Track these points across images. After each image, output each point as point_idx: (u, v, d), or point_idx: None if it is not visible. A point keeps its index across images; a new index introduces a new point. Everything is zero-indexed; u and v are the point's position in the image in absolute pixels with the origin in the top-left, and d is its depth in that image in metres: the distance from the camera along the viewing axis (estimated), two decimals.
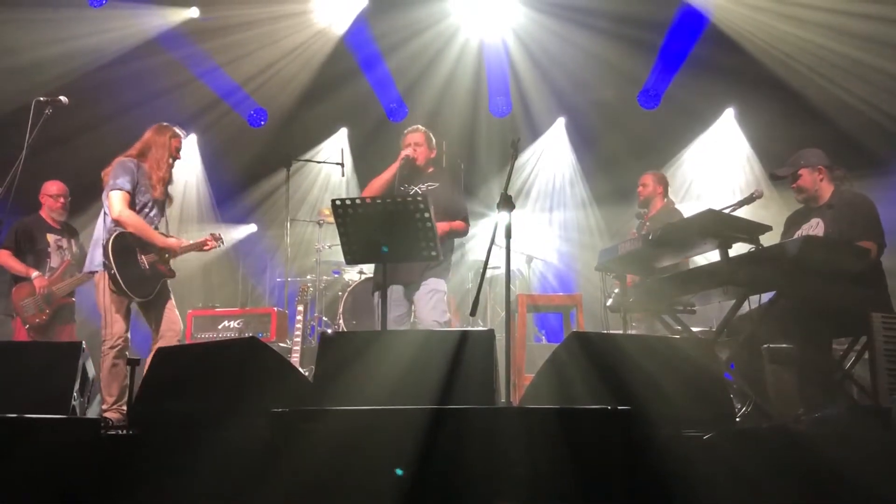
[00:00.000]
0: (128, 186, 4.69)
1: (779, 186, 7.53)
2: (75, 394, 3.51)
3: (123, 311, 4.62)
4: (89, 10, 7.74)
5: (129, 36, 7.96)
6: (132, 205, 4.72)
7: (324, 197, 9.47)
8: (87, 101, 7.30)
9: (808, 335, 3.85)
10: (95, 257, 4.65)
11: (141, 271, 4.70)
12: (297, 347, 6.59)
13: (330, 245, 7.87)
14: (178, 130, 5.02)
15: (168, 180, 4.94)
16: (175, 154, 4.97)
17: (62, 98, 4.58)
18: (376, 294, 5.11)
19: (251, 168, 9.29)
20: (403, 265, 4.85)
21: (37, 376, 3.49)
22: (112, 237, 4.59)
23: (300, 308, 6.80)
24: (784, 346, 4.34)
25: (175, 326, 4.85)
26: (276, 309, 7.28)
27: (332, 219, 4.87)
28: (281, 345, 6.97)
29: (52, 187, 6.36)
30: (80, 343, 3.67)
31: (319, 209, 8.36)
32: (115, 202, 4.64)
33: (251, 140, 9.40)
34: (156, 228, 4.87)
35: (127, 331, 4.64)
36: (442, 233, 4.94)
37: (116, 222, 4.65)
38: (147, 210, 4.83)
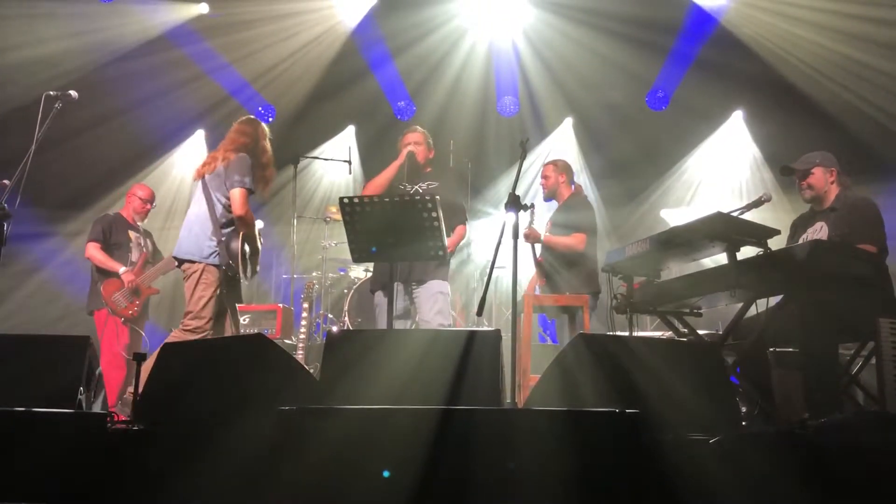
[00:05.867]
0: (251, 186, 4.70)
1: (788, 191, 7.53)
2: (82, 388, 3.52)
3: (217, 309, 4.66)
4: (100, 6, 7.77)
5: (139, 31, 7.99)
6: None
7: (330, 194, 9.48)
8: (96, 95, 7.33)
9: (814, 339, 3.84)
10: (201, 248, 4.62)
11: (246, 272, 4.78)
12: (303, 344, 6.60)
13: (336, 243, 7.88)
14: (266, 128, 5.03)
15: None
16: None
17: (72, 92, 4.56)
18: (377, 294, 5.11)
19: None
20: (404, 264, 4.86)
21: (44, 370, 3.48)
22: (241, 239, 4.65)
23: (305, 305, 6.82)
24: (791, 350, 4.33)
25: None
26: (281, 305, 7.29)
27: (339, 216, 4.90)
28: (286, 341, 6.98)
29: (142, 191, 6.72)
30: (88, 337, 3.67)
31: (326, 206, 8.37)
32: (242, 200, 4.63)
33: None
34: None
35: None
36: (453, 245, 5.04)
37: (239, 220, 4.66)
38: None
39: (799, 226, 4.53)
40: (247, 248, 4.77)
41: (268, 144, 4.95)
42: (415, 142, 5.26)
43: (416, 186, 5.17)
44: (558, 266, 5.65)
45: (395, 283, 4.92)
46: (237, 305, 4.88)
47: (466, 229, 5.30)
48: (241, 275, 4.63)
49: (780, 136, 8.17)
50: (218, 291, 4.60)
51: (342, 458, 2.47)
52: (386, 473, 2.39)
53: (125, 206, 6.67)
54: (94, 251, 6.27)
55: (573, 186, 5.99)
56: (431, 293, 4.97)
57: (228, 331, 4.79)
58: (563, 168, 6.00)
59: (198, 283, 4.58)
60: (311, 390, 3.21)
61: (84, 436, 2.85)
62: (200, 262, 4.60)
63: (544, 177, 6.03)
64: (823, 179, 4.37)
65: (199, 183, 4.77)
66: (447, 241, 4.93)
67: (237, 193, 4.62)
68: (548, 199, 6.05)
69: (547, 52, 8.58)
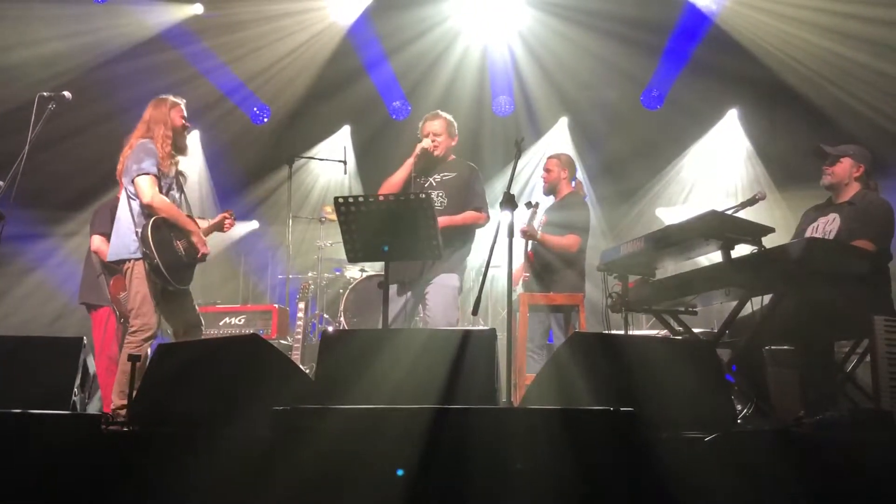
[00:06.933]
0: (154, 170, 4.51)
1: (782, 188, 7.55)
2: (76, 389, 3.51)
3: (157, 302, 4.48)
4: (94, 7, 7.76)
5: (134, 32, 7.98)
6: (159, 188, 4.56)
7: (326, 194, 9.48)
8: (91, 97, 7.31)
9: (809, 337, 3.85)
10: (127, 245, 4.49)
11: (178, 258, 4.56)
12: (298, 345, 6.60)
13: (331, 243, 7.88)
14: (175, 99, 4.80)
15: (172, 154, 4.70)
16: (177, 124, 4.74)
17: (66, 93, 4.54)
18: (392, 287, 5.00)
19: (254, 165, 9.32)
20: (410, 263, 4.80)
21: (38, 372, 3.49)
22: (150, 224, 4.44)
23: (301, 305, 6.81)
24: (786, 347, 4.34)
25: (199, 319, 4.77)
26: (277, 306, 7.29)
27: (334, 216, 4.84)
28: (282, 342, 6.98)
29: None
30: (81, 339, 3.67)
31: (322, 206, 8.36)
32: (145, 187, 4.45)
33: (254, 137, 9.42)
34: (179, 209, 4.72)
35: (159, 322, 4.53)
36: (449, 223, 4.79)
37: (148, 208, 4.48)
38: (173, 192, 4.70)
39: (811, 213, 4.52)
40: (172, 234, 4.58)
41: (161, 115, 4.69)
42: (434, 133, 5.08)
43: (431, 179, 5.06)
44: (551, 265, 5.62)
45: (399, 282, 4.90)
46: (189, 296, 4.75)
47: (477, 217, 5.01)
48: (157, 259, 4.38)
49: (775, 135, 8.20)
50: (151, 283, 4.44)
51: (338, 457, 2.47)
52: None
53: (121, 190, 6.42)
54: (103, 245, 5.85)
55: (573, 184, 5.91)
56: (438, 287, 4.90)
57: (184, 335, 4.66)
58: (566, 163, 5.91)
59: (131, 280, 4.47)
60: (306, 390, 3.21)
61: (78, 437, 2.84)
62: (130, 259, 4.48)
63: (546, 170, 5.93)
64: (848, 171, 4.36)
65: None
66: (446, 218, 4.75)
67: (139, 182, 4.47)
68: (547, 193, 5.96)
69: (542, 51, 8.59)
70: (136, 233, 4.47)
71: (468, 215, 5.00)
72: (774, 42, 7.76)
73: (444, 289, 4.93)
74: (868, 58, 7.26)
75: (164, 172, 4.61)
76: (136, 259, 4.47)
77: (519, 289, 5.82)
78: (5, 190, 4.17)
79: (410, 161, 5.00)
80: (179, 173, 4.84)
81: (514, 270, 5.74)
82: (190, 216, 4.79)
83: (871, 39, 7.15)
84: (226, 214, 5.00)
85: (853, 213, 4.21)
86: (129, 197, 4.57)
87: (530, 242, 5.74)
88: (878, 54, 7.19)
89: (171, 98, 4.80)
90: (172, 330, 4.76)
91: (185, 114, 4.84)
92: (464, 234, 5.06)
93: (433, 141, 5.05)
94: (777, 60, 7.80)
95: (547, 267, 5.61)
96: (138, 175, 4.49)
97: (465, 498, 2.37)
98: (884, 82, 7.26)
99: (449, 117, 5.22)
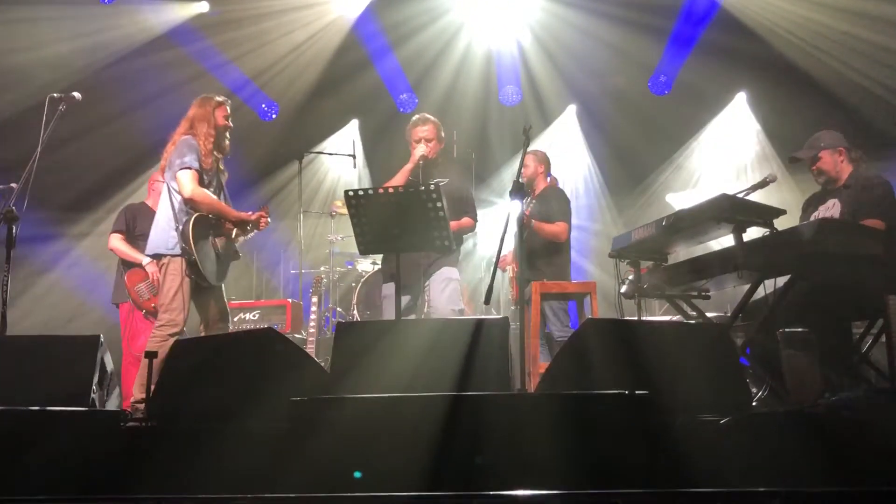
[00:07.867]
0: (196, 164, 4.56)
1: (793, 171, 7.51)
2: (94, 386, 3.54)
3: (189, 298, 4.53)
4: (101, 7, 7.78)
5: (140, 31, 8.00)
6: (201, 183, 4.60)
7: (336, 189, 9.50)
8: (99, 97, 7.34)
9: (824, 319, 3.83)
10: (166, 240, 4.55)
11: (215, 255, 4.62)
12: (313, 338, 6.63)
13: (343, 237, 7.90)
14: (219, 98, 4.86)
15: (212, 152, 4.75)
16: (221, 124, 4.80)
17: (75, 94, 4.57)
18: (384, 286, 5.10)
19: (264, 161, 9.33)
20: (411, 260, 4.83)
21: (56, 369, 3.51)
22: (191, 220, 4.48)
23: (314, 299, 6.84)
24: (800, 329, 4.32)
25: (227, 311, 4.82)
26: (290, 300, 7.32)
27: (344, 210, 4.87)
28: (296, 336, 7.01)
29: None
30: (99, 336, 3.69)
31: (332, 201, 8.39)
32: (186, 181, 4.50)
33: (263, 133, 9.43)
34: None
35: (187, 319, 4.55)
36: (453, 228, 4.95)
37: (190, 202, 4.54)
38: (213, 189, 4.73)
39: (811, 204, 4.52)
40: (210, 232, 4.61)
41: (205, 113, 4.76)
42: (426, 138, 5.14)
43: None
44: (538, 252, 5.67)
45: (409, 286, 4.92)
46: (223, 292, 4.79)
47: (473, 223, 5.21)
48: (196, 256, 4.43)
49: (784, 117, 8.14)
50: (185, 279, 4.49)
51: (354, 446, 2.49)
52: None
53: (148, 195, 6.37)
54: (118, 242, 6.03)
55: (549, 179, 6.06)
56: (440, 280, 4.97)
57: (215, 324, 4.71)
58: (542, 159, 6.07)
59: (165, 276, 4.52)
60: (321, 381, 3.22)
61: (97, 434, 2.87)
62: (167, 255, 4.53)
63: (524, 165, 5.96)
64: (832, 161, 4.36)
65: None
66: (454, 223, 4.85)
67: (181, 176, 4.52)
68: (526, 188, 6.01)
69: (548, 39, 8.57)
70: (177, 229, 4.53)
71: (466, 221, 5.15)
72: (782, 23, 7.71)
73: (446, 282, 5.02)
74: (877, 36, 7.21)
75: (205, 169, 4.66)
76: (174, 255, 4.52)
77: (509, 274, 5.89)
78: (19, 191, 4.20)
79: (409, 167, 5.06)
80: (220, 171, 4.89)
81: (504, 256, 5.89)
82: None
83: (880, 17, 7.10)
84: (262, 213, 5.01)
85: (852, 195, 4.21)
86: (170, 192, 4.63)
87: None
88: (887, 32, 7.14)
89: (216, 97, 4.86)
90: (201, 320, 4.80)
91: (229, 113, 4.90)
92: (457, 238, 5.14)
93: (426, 146, 5.12)
94: (785, 41, 7.75)
95: (535, 254, 5.66)
96: (180, 169, 4.54)
97: (480, 483, 2.38)
98: (894, 60, 7.20)
99: (436, 121, 5.28)
